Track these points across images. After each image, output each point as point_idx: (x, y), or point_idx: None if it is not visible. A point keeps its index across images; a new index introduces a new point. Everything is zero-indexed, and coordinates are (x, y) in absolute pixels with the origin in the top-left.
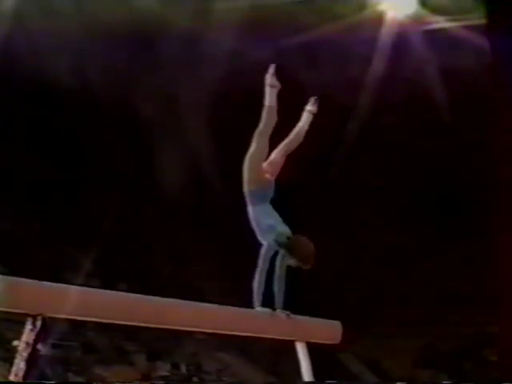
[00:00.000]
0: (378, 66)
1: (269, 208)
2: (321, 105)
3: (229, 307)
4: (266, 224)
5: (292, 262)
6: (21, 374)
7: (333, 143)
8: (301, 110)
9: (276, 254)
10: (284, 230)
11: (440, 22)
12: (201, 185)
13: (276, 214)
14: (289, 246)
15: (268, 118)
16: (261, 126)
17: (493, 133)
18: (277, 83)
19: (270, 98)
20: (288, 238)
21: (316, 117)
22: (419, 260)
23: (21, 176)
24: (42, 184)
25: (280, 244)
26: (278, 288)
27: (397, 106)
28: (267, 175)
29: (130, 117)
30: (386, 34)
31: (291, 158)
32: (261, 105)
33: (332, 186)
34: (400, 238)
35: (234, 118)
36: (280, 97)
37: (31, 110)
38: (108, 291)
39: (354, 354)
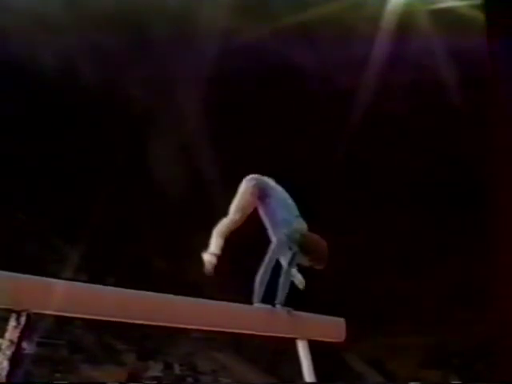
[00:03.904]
0: (381, 47)
1: (288, 201)
2: (322, 88)
3: (226, 303)
4: (281, 217)
5: (304, 260)
6: (4, 373)
7: (335, 129)
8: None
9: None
10: (300, 226)
11: (445, 1)
12: (195, 175)
13: (294, 209)
14: (301, 244)
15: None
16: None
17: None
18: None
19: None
20: (302, 235)
21: (318, 101)
22: (429, 256)
23: (4, 164)
24: (27, 172)
25: (292, 240)
26: (283, 284)
27: (401, 89)
28: None
29: (119, 103)
30: (389, 13)
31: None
32: (255, 88)
33: (334, 173)
34: (408, 233)
35: (229, 102)
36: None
37: (15, 95)
38: (96, 286)
39: (358, 353)
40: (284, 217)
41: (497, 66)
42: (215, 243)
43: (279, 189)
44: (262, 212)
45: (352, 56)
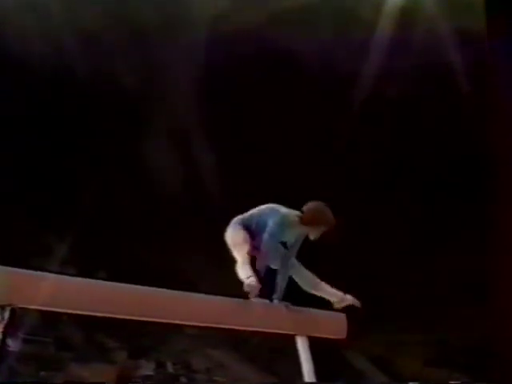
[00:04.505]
0: (383, 30)
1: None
2: (322, 74)
3: (221, 298)
4: (268, 208)
5: (315, 232)
6: None
7: (335, 115)
8: None
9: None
10: (289, 211)
11: None
12: (188, 166)
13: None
14: (305, 217)
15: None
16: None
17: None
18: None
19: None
20: (298, 214)
21: (318, 88)
22: (432, 248)
23: None
24: (12, 162)
25: (287, 224)
26: (282, 277)
27: (403, 75)
28: None
29: (107, 90)
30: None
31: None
32: (248, 72)
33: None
34: (408, 226)
35: (222, 88)
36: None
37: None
38: (85, 279)
39: (359, 350)
40: (271, 207)
41: (497, 66)
42: (246, 269)
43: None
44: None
45: (353, 42)
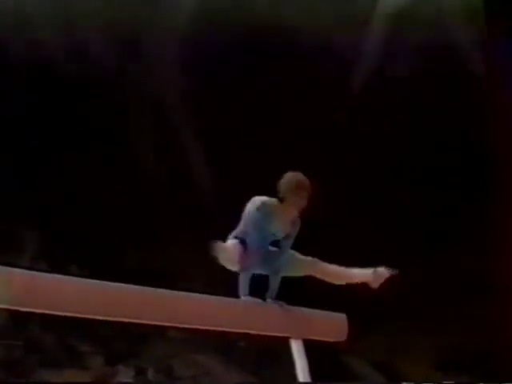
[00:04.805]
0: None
1: None
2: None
3: (207, 296)
4: (249, 202)
5: (297, 203)
6: None
7: (334, 96)
8: None
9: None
10: (270, 198)
11: None
12: (170, 152)
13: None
14: (281, 192)
15: None
16: None
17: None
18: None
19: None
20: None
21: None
22: (439, 241)
23: None
24: None
25: (268, 207)
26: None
27: (408, 54)
28: None
29: (92, 76)
30: None
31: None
32: (243, 52)
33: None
34: (408, 218)
35: (214, 66)
36: None
37: None
38: (57, 276)
39: (361, 354)
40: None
41: (497, 66)
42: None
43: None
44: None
45: (353, 17)
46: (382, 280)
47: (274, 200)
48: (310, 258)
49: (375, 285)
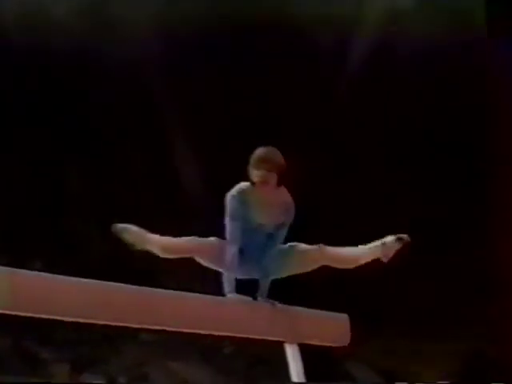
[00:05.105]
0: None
1: None
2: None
3: (187, 294)
4: None
5: (259, 172)
6: None
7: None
8: None
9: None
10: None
11: None
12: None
13: None
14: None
15: None
16: None
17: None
18: None
19: None
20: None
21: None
22: (454, 234)
23: None
24: None
25: (245, 192)
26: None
27: (403, 74)
28: None
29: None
30: None
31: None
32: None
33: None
34: (409, 210)
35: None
36: None
37: None
38: (18, 271)
39: (365, 361)
40: None
41: (497, 66)
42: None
43: None
44: None
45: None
46: (393, 252)
47: (248, 184)
48: (314, 247)
49: (386, 259)
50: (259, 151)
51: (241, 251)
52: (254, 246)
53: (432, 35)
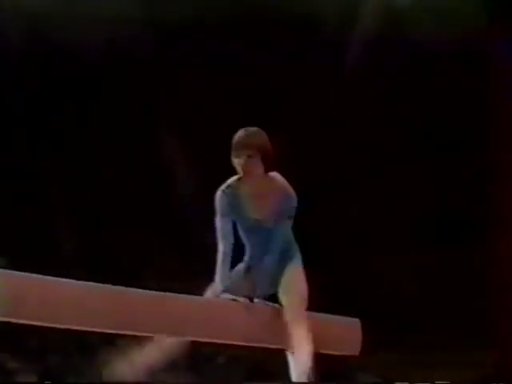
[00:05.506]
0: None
1: None
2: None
3: (172, 295)
4: None
5: (235, 163)
6: None
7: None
8: None
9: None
10: None
11: None
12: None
13: None
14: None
15: None
16: None
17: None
18: None
19: None
20: None
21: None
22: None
23: None
24: None
25: (234, 187)
26: (263, 266)
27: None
28: None
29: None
30: None
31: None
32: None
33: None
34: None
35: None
36: None
37: None
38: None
39: (378, 372)
40: None
41: (497, 66)
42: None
43: None
44: None
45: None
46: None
47: (236, 177)
48: (299, 300)
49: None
50: (236, 136)
51: (248, 267)
52: (259, 250)
53: (432, 35)
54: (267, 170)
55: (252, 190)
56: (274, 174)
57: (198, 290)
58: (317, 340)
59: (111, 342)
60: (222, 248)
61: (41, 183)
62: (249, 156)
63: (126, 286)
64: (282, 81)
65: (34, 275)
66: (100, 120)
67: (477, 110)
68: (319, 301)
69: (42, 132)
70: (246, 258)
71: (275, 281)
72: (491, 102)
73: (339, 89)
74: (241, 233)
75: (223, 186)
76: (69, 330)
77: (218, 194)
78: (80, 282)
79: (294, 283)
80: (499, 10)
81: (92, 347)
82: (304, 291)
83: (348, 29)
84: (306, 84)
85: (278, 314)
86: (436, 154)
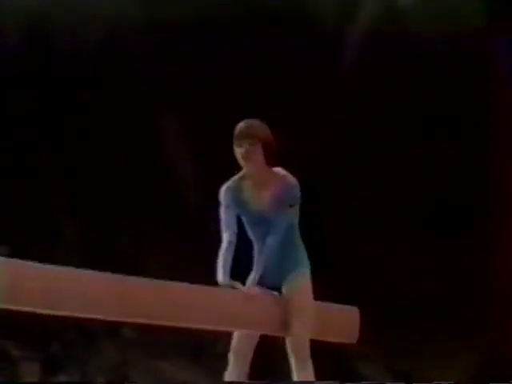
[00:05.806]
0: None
1: None
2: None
3: (174, 283)
4: None
5: (236, 152)
6: None
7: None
8: None
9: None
10: None
11: None
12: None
13: None
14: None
15: None
16: None
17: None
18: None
19: None
20: None
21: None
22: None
23: None
24: None
25: (238, 181)
26: (263, 254)
27: (401, 75)
28: None
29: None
30: None
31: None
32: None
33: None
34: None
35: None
36: None
37: None
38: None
39: (378, 361)
40: None
41: (497, 66)
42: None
43: None
44: None
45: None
46: None
47: (241, 172)
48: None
49: None
50: (238, 126)
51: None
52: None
53: (432, 35)
54: (269, 161)
55: (254, 182)
56: (277, 169)
57: (199, 278)
58: (316, 326)
59: (114, 330)
60: (227, 237)
61: (41, 171)
62: (250, 144)
63: (127, 274)
64: (282, 75)
65: (34, 263)
66: (100, 109)
67: (477, 109)
68: (317, 289)
69: (43, 121)
70: (255, 253)
71: (281, 271)
72: (491, 102)
73: (339, 85)
74: (247, 228)
75: (228, 183)
76: (71, 317)
77: (223, 189)
78: (81, 270)
79: (298, 309)
80: (499, 10)
81: (94, 335)
82: (309, 322)
83: (346, 28)
84: (306, 77)
85: (279, 300)
86: (436, 154)
